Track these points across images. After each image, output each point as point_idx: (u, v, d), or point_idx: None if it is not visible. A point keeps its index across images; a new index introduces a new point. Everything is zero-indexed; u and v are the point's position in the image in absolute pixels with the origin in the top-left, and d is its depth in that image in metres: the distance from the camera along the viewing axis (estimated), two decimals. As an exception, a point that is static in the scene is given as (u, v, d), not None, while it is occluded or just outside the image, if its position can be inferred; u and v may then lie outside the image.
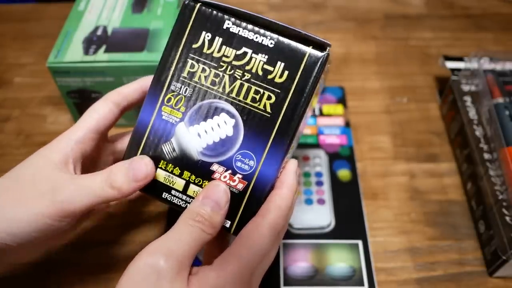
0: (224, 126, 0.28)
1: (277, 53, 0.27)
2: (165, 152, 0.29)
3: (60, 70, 0.43)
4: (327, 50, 0.27)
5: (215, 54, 0.28)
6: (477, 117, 0.45)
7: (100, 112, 0.31)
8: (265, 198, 0.28)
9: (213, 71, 0.28)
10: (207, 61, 0.28)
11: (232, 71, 0.28)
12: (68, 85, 0.44)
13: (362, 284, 0.38)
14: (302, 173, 0.46)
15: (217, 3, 0.28)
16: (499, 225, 0.38)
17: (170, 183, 0.29)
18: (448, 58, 0.51)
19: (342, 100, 0.53)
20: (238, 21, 0.28)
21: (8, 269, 0.34)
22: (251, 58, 0.28)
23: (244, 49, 0.28)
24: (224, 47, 0.28)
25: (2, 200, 0.28)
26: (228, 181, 0.28)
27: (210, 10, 0.28)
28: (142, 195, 0.30)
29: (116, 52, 0.43)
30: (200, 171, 0.29)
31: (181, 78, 0.29)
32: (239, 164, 0.28)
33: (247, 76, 0.28)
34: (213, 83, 0.28)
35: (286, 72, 0.27)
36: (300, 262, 0.40)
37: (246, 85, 0.28)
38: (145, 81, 0.33)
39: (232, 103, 0.28)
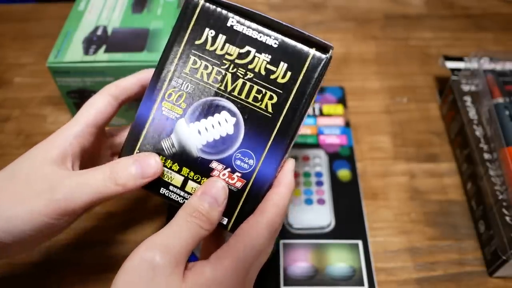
0: (225, 124, 0.28)
1: (280, 54, 0.27)
2: (164, 148, 0.29)
3: (60, 70, 0.43)
4: (330, 52, 0.27)
5: (218, 52, 0.28)
6: (477, 117, 0.45)
7: (99, 105, 0.31)
8: (263, 197, 0.28)
9: (216, 68, 0.28)
10: (210, 58, 0.28)
11: (235, 69, 0.28)
12: (68, 85, 0.44)
13: (362, 284, 0.38)
14: (302, 173, 0.46)
15: (222, 0, 0.28)
16: (499, 225, 0.38)
17: (168, 179, 0.29)
18: (448, 58, 0.51)
19: (342, 100, 0.53)
20: (242, 20, 0.28)
21: None
22: (254, 57, 0.28)
23: (247, 47, 0.28)
24: (227, 45, 0.28)
25: (1, 198, 0.27)
26: (226, 179, 0.28)
27: (214, 7, 0.28)
28: (139, 190, 0.30)
29: (116, 52, 0.43)
30: (199, 168, 0.28)
31: (182, 74, 0.28)
32: (238, 162, 0.28)
33: (250, 75, 0.28)
34: (215, 80, 0.28)
35: (289, 73, 0.27)
36: (300, 262, 0.40)
37: (248, 84, 0.28)
38: (144, 74, 0.33)
39: (233, 102, 0.28)
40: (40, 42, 0.59)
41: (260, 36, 0.28)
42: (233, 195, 0.28)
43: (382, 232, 0.42)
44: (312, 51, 0.27)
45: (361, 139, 0.50)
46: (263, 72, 0.28)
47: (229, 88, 0.28)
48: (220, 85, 0.28)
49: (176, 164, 0.29)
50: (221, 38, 0.28)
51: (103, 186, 0.27)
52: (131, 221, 0.42)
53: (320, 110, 0.51)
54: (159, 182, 0.29)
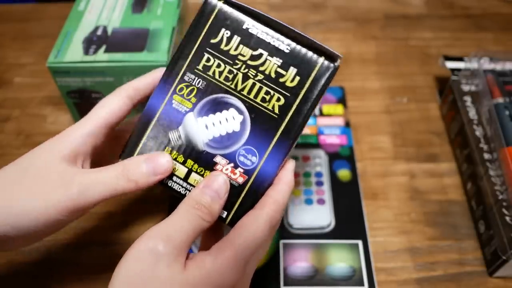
0: (232, 121, 0.29)
1: (291, 59, 0.29)
2: (171, 139, 0.30)
3: (60, 70, 0.43)
4: (338, 61, 0.28)
5: (232, 52, 0.29)
6: (477, 117, 0.45)
7: (113, 105, 0.31)
8: (262, 194, 0.29)
9: (228, 67, 0.29)
10: (223, 57, 0.29)
11: (246, 70, 0.29)
12: (68, 85, 0.44)
13: (362, 284, 0.38)
14: (302, 173, 0.46)
15: (240, 3, 0.29)
16: (499, 225, 0.38)
17: (172, 170, 0.30)
18: (448, 58, 0.51)
19: (342, 100, 0.53)
20: (258, 23, 0.29)
21: None
22: (266, 60, 0.29)
23: (260, 50, 0.29)
24: (241, 46, 0.29)
25: (10, 193, 0.27)
26: (229, 174, 0.29)
27: (232, 9, 0.29)
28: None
29: (116, 52, 0.43)
30: (204, 161, 0.29)
31: (195, 70, 0.30)
32: (242, 158, 0.29)
33: (260, 76, 0.29)
34: (226, 79, 0.29)
35: (298, 78, 0.29)
36: (300, 262, 0.40)
37: (258, 84, 0.29)
38: (158, 74, 0.33)
39: (242, 100, 0.29)
40: (40, 42, 0.59)
41: (274, 41, 0.29)
42: (234, 190, 0.29)
43: (382, 232, 0.42)
44: (321, 60, 0.28)
45: (361, 139, 0.50)
46: (273, 75, 0.29)
47: (239, 87, 0.29)
48: (231, 84, 0.29)
49: (181, 155, 0.30)
50: (236, 39, 0.29)
51: (116, 183, 0.28)
52: (131, 221, 0.42)
53: (320, 110, 0.51)
54: None
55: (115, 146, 0.34)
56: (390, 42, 0.61)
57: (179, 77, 0.30)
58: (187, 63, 0.30)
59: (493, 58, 0.47)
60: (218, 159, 0.29)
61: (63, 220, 0.27)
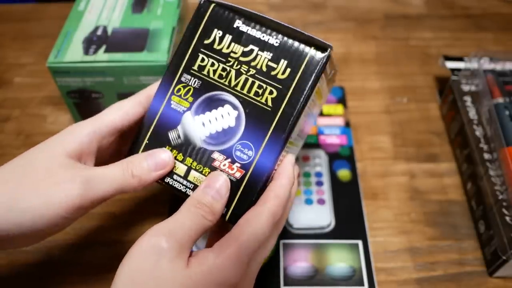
0: (227, 117, 0.30)
1: (281, 52, 0.29)
2: (170, 139, 0.31)
3: (60, 70, 0.43)
4: (328, 51, 0.29)
5: (224, 50, 0.30)
6: (477, 117, 0.45)
7: (125, 109, 0.31)
8: (261, 188, 0.29)
9: (221, 65, 0.30)
10: (217, 56, 0.30)
11: (239, 66, 0.30)
12: (68, 85, 0.44)
13: (362, 284, 0.38)
14: (302, 173, 0.46)
15: (230, 4, 0.30)
16: (499, 225, 0.38)
17: (173, 168, 0.30)
18: (448, 58, 0.51)
19: (342, 100, 0.53)
20: (247, 21, 0.30)
21: None
22: (257, 55, 0.30)
23: (251, 46, 0.30)
24: (233, 44, 0.30)
25: (13, 189, 0.27)
26: (227, 169, 0.29)
27: (222, 10, 0.30)
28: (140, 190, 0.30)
29: (116, 52, 0.43)
30: (202, 158, 0.30)
31: (191, 71, 0.31)
32: (238, 153, 0.29)
33: (252, 71, 0.30)
34: (220, 76, 0.30)
35: (288, 70, 0.29)
36: (300, 262, 0.40)
37: (250, 79, 0.30)
38: None
39: (236, 96, 0.30)
40: (40, 42, 0.59)
41: (263, 36, 0.30)
42: (232, 185, 0.29)
43: (382, 232, 0.42)
44: (311, 50, 0.29)
45: (361, 139, 0.50)
46: (264, 69, 0.29)
47: (233, 83, 0.30)
48: (225, 81, 0.30)
49: (180, 154, 0.30)
50: (228, 37, 0.30)
51: (122, 179, 0.28)
52: (131, 222, 0.42)
53: (320, 110, 0.51)
54: None
55: (119, 150, 0.34)
56: (390, 42, 0.61)
57: (176, 78, 0.31)
58: (183, 64, 0.31)
59: (493, 58, 0.47)
60: (215, 155, 0.30)
61: (67, 218, 0.27)
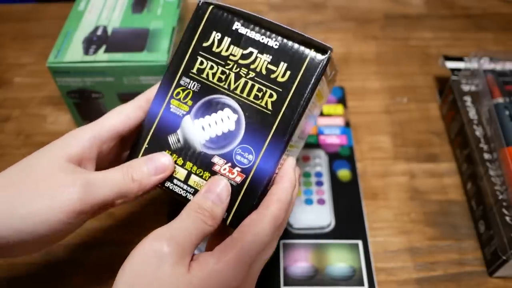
0: (227, 120, 0.29)
1: (281, 54, 0.29)
2: (170, 143, 0.30)
3: (60, 70, 0.43)
4: (328, 53, 0.28)
5: (223, 53, 0.30)
6: (477, 117, 0.45)
7: (126, 113, 0.31)
8: (262, 192, 0.29)
9: (220, 68, 0.30)
10: (216, 59, 0.30)
11: (238, 69, 0.29)
12: (68, 85, 0.44)
13: (362, 284, 0.38)
14: (302, 173, 0.46)
15: (228, 6, 0.30)
16: (499, 225, 0.38)
17: (173, 173, 0.30)
18: (448, 58, 0.51)
19: (342, 100, 0.53)
20: (246, 23, 0.29)
21: None
22: (256, 57, 0.29)
23: (250, 49, 0.29)
24: (232, 46, 0.30)
25: (13, 195, 0.26)
26: (227, 174, 0.29)
27: (221, 12, 0.30)
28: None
29: (116, 52, 0.43)
30: (202, 162, 0.30)
31: (190, 74, 0.30)
32: (238, 157, 0.29)
33: (252, 74, 0.29)
34: (219, 79, 0.30)
35: (288, 72, 0.29)
36: (300, 262, 0.40)
37: (250, 82, 0.29)
38: None
39: (236, 100, 0.29)
40: (40, 42, 0.59)
41: (262, 38, 0.29)
42: (233, 190, 0.29)
43: (382, 232, 0.42)
44: (311, 52, 0.28)
45: (361, 139, 0.50)
46: (264, 72, 0.29)
47: (232, 86, 0.29)
48: (224, 84, 0.30)
49: (180, 158, 0.30)
50: (227, 40, 0.30)
51: (122, 183, 0.28)
52: (132, 222, 0.42)
53: (320, 110, 0.51)
54: None
55: (120, 155, 0.34)
56: (390, 42, 0.61)
57: (175, 82, 0.30)
58: (182, 68, 0.30)
59: (493, 58, 0.47)
60: (215, 159, 0.29)
61: (67, 223, 0.27)
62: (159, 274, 0.24)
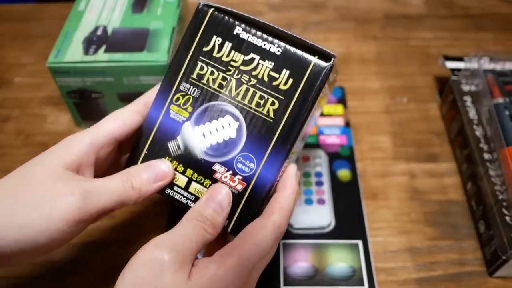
0: (228, 128, 0.29)
1: (283, 61, 0.28)
2: (170, 149, 0.30)
3: (60, 70, 0.43)
4: (332, 61, 0.28)
5: (224, 58, 0.29)
6: (477, 117, 0.45)
7: (123, 118, 0.30)
8: (263, 200, 0.29)
9: (221, 74, 0.29)
10: (216, 65, 0.29)
11: (239, 75, 0.29)
12: (68, 85, 0.44)
13: (362, 284, 0.38)
14: (302, 173, 0.46)
15: (229, 9, 0.29)
16: (499, 225, 0.38)
17: (173, 179, 0.30)
18: (448, 58, 0.51)
19: (342, 100, 0.53)
20: (248, 28, 0.29)
21: None
22: (258, 64, 0.29)
23: (252, 55, 0.29)
24: (233, 52, 0.29)
25: (11, 204, 0.26)
26: (228, 182, 0.29)
27: (222, 15, 0.29)
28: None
29: (116, 52, 0.43)
30: (203, 170, 0.29)
31: (190, 79, 0.29)
32: (240, 165, 0.29)
33: (253, 81, 0.29)
34: (220, 86, 0.29)
35: (291, 80, 0.28)
36: (300, 262, 0.40)
37: (251, 90, 0.29)
38: None
39: (237, 107, 0.29)
40: (40, 42, 0.59)
41: (264, 44, 0.28)
42: (234, 198, 0.29)
43: (382, 232, 0.42)
44: (314, 59, 0.28)
45: (361, 139, 0.50)
46: (266, 79, 0.28)
47: (233, 93, 0.29)
48: (225, 90, 0.29)
49: (181, 165, 0.30)
50: (228, 45, 0.29)
51: (122, 191, 0.28)
52: (132, 222, 0.42)
53: (321, 111, 0.51)
54: None
55: (117, 159, 0.33)
56: (390, 42, 0.61)
57: (175, 87, 0.30)
58: (182, 72, 0.30)
59: (493, 58, 0.47)
60: (216, 167, 0.29)
61: (67, 232, 0.26)
62: (160, 282, 0.24)
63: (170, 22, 0.47)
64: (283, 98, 0.28)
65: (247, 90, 0.29)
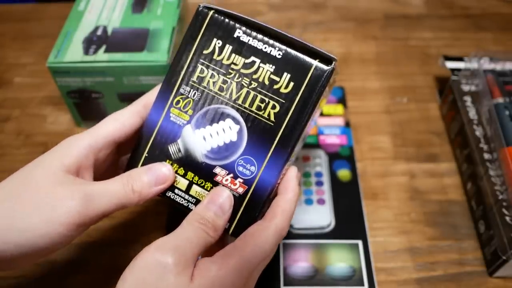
0: (228, 131, 0.29)
1: (284, 64, 0.28)
2: (171, 152, 0.30)
3: (60, 70, 0.43)
4: (333, 64, 0.27)
5: (225, 61, 0.29)
6: (477, 117, 0.45)
7: (122, 120, 0.30)
8: (264, 203, 0.29)
9: (222, 77, 0.29)
10: (217, 68, 0.29)
11: (240, 78, 0.29)
12: (68, 85, 0.44)
13: (362, 284, 0.38)
14: (302, 173, 0.46)
15: (230, 11, 0.29)
16: (499, 225, 0.38)
17: (174, 182, 0.30)
18: (448, 58, 0.51)
19: (342, 100, 0.53)
20: (248, 31, 0.29)
21: None
22: (259, 67, 0.28)
23: (252, 58, 0.28)
24: (233, 55, 0.29)
25: (11, 208, 0.26)
26: (229, 185, 0.29)
27: (222, 18, 0.29)
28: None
29: (116, 52, 0.43)
30: (203, 173, 0.29)
31: (190, 82, 0.29)
32: (240, 168, 0.29)
33: (254, 84, 0.28)
34: (221, 89, 0.29)
35: (292, 83, 0.28)
36: (300, 262, 0.40)
37: (252, 93, 0.29)
38: None
39: (237, 110, 0.29)
40: (40, 42, 0.59)
41: (265, 47, 0.28)
42: (235, 200, 0.29)
43: (382, 232, 0.42)
44: (315, 63, 0.28)
45: (361, 139, 0.50)
46: (266, 82, 0.28)
47: (234, 96, 0.29)
48: (226, 94, 0.29)
49: (181, 168, 0.30)
50: (228, 48, 0.29)
51: (122, 194, 0.28)
52: (132, 222, 0.42)
53: (320, 111, 0.51)
54: None
55: (116, 161, 0.33)
56: (390, 42, 0.61)
57: (175, 90, 0.30)
58: (182, 75, 0.29)
59: (493, 58, 0.47)
60: (217, 170, 0.29)
61: (68, 236, 0.26)
62: (162, 284, 0.24)
63: (170, 22, 0.47)
64: (284, 101, 0.28)
65: (248, 93, 0.29)
